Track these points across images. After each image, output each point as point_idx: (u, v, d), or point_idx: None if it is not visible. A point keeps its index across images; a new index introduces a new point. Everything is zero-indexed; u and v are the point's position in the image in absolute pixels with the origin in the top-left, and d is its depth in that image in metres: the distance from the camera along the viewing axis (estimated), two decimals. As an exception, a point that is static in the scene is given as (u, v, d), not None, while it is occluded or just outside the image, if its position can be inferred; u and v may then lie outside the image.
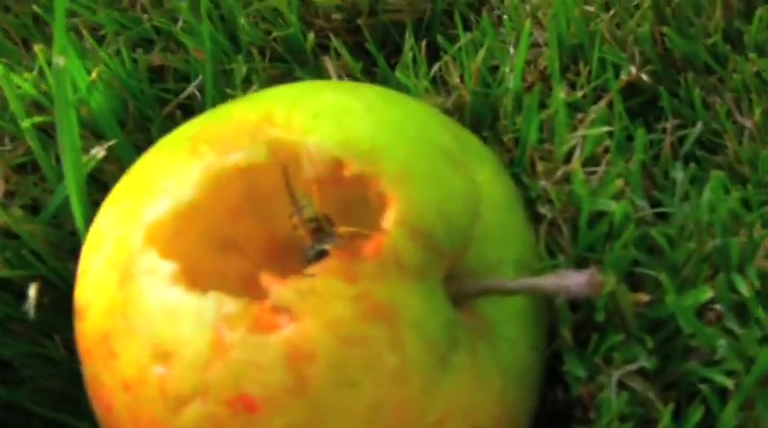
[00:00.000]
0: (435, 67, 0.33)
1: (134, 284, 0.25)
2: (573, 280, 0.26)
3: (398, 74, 0.33)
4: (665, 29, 0.35)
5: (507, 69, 0.31)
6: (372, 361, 0.23)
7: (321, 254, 0.25)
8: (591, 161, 0.31)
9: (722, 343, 0.27)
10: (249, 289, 0.25)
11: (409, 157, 0.26)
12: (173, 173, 0.26)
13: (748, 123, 0.33)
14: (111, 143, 0.30)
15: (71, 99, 0.29)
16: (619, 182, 0.29)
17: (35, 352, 0.31)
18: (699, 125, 0.33)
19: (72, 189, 0.29)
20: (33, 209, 0.32)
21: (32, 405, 0.30)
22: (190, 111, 0.35)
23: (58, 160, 0.32)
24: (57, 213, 0.31)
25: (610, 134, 0.31)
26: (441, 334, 0.25)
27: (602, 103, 0.31)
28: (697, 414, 0.26)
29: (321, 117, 0.27)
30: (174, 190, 0.26)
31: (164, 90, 0.35)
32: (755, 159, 0.32)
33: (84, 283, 0.27)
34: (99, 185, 0.32)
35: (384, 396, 0.24)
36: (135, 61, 0.34)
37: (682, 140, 0.34)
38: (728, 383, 0.26)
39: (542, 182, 0.30)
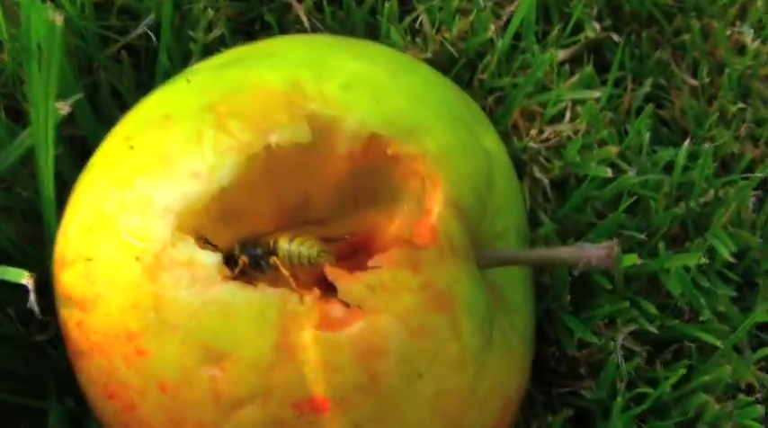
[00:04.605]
0: (409, 18, 0.32)
1: (169, 278, 0.23)
2: (593, 253, 0.26)
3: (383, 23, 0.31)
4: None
5: (492, 26, 0.30)
6: (437, 350, 0.23)
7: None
8: (557, 118, 0.32)
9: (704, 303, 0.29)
10: None
11: (444, 134, 0.25)
12: (200, 154, 0.23)
13: (694, 82, 0.35)
14: (76, 98, 0.26)
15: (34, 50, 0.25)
16: (612, 149, 0.29)
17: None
18: (648, 81, 0.35)
19: (42, 150, 0.25)
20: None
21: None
22: (136, 52, 0.31)
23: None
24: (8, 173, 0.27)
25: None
26: (485, 315, 0.25)
27: (588, 68, 0.31)
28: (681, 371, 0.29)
29: (353, 89, 0.25)
30: (207, 174, 0.23)
31: (105, 27, 0.30)
32: (702, 117, 0.34)
33: (86, 272, 0.24)
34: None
35: (445, 384, 0.23)
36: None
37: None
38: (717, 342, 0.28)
39: (533, 145, 0.30)
